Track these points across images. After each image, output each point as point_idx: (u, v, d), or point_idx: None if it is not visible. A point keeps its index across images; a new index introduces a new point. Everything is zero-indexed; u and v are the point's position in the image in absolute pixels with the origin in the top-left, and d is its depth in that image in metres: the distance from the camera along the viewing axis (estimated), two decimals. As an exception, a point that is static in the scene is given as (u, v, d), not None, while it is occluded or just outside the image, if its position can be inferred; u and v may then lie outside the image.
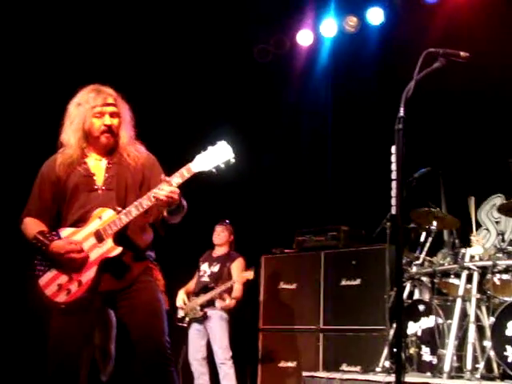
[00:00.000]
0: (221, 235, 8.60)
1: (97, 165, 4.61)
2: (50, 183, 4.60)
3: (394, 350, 6.24)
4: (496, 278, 6.92)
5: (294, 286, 9.26)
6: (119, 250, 4.38)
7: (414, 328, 7.23)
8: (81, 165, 4.58)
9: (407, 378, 5.92)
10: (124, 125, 4.67)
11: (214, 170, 4.30)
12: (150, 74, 9.89)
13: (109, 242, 4.38)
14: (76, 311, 4.41)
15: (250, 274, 8.27)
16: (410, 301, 7.51)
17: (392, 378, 5.67)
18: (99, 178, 4.57)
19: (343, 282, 8.80)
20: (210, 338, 8.33)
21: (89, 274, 4.37)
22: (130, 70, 9.17)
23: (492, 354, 6.49)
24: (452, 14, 8.87)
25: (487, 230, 8.94)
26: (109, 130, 4.55)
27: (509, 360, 6.32)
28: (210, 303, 8.25)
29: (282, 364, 9.03)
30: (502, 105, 8.54)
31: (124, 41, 9.74)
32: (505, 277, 6.90)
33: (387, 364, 7.24)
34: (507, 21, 8.35)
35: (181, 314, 8.37)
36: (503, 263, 6.84)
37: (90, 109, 4.54)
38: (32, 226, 4.55)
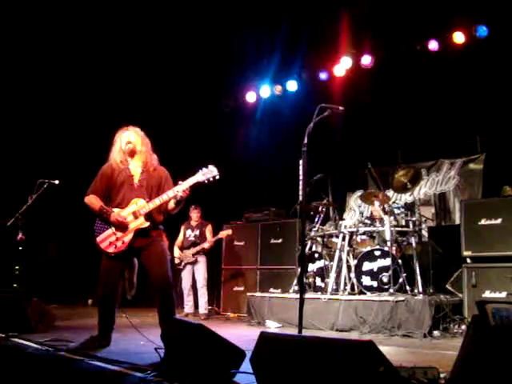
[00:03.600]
0: (195, 214, 8.68)
1: (135, 170, 4.79)
2: (106, 176, 4.77)
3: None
4: (358, 238, 7.17)
5: (242, 243, 9.19)
6: (147, 224, 4.62)
7: (311, 267, 7.43)
8: (126, 169, 4.78)
9: (307, 295, 6.35)
10: (147, 150, 4.86)
11: (206, 181, 4.60)
12: (168, 122, 10.05)
13: (141, 219, 4.61)
14: (117, 258, 4.64)
15: (229, 231, 8.64)
16: (310, 251, 7.59)
17: (298, 295, 5.90)
18: (136, 178, 4.75)
19: (272, 241, 8.75)
20: (194, 273, 8.46)
21: (128, 237, 4.59)
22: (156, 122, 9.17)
23: (354, 281, 6.76)
24: (335, 85, 9.03)
25: (354, 210, 9.13)
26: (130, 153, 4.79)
27: (363, 284, 6.64)
28: (198, 253, 8.43)
29: (235, 288, 9.03)
30: (360, 138, 8.78)
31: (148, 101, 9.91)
32: (363, 237, 7.17)
33: (296, 288, 7.33)
34: (362, 89, 8.58)
35: (177, 261, 8.48)
36: (362, 229, 7.12)
37: (121, 144, 4.81)
38: (95, 200, 4.70)
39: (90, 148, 10.15)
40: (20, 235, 7.03)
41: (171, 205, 4.70)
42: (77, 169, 9.38)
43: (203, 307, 8.34)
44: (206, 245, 8.43)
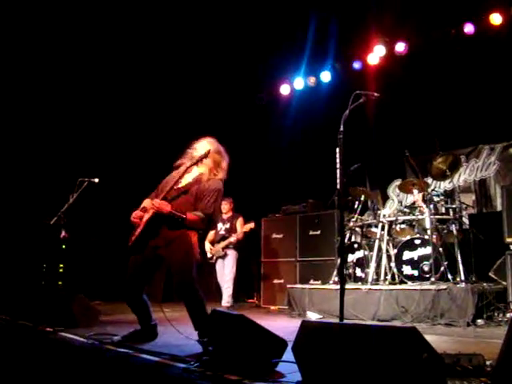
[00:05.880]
0: (225, 206, 8.43)
1: (188, 176, 4.67)
2: (163, 180, 4.76)
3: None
4: (397, 227, 7.14)
5: (281, 236, 9.20)
6: (147, 216, 4.45)
7: (351, 257, 7.41)
8: (180, 172, 4.65)
9: (347, 286, 6.23)
10: (210, 163, 4.65)
11: None
12: (204, 118, 10.03)
13: (150, 212, 4.45)
14: (136, 252, 4.54)
15: (252, 224, 8.24)
16: (349, 242, 7.61)
17: (338, 286, 5.86)
18: (183, 183, 4.62)
19: (310, 233, 8.74)
20: (224, 266, 8.28)
21: (139, 229, 4.49)
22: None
23: (395, 270, 6.75)
24: (369, 74, 8.93)
25: (392, 200, 9.05)
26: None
27: (404, 273, 6.60)
28: (227, 246, 8.25)
29: (275, 281, 9.03)
30: (395, 125, 8.70)
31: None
32: (402, 226, 7.12)
33: (336, 279, 7.35)
34: (397, 77, 8.52)
35: (209, 255, 8.35)
36: (401, 218, 7.07)
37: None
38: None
39: (129, 146, 10.34)
40: (63, 233, 7.18)
41: None
42: (116, 167, 9.56)
43: (226, 300, 8.15)
44: (232, 238, 8.23)
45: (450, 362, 2.97)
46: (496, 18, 7.70)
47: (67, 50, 9.01)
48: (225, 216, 8.52)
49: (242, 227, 8.37)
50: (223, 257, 8.33)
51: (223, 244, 8.29)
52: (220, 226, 8.47)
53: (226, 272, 8.28)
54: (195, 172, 4.70)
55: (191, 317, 4.43)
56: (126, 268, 4.65)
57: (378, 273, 7.00)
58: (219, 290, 8.43)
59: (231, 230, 8.38)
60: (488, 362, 3.10)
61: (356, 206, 7.67)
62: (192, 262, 4.44)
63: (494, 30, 7.74)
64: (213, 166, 4.66)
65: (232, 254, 8.33)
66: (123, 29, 8.82)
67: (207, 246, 8.47)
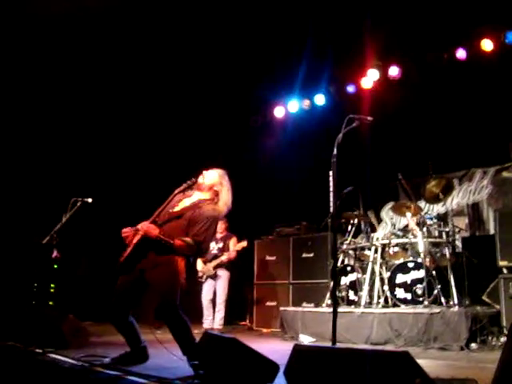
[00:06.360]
0: (221, 226, 8.19)
1: (185, 201, 4.66)
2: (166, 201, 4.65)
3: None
4: (391, 250, 7.10)
5: (274, 258, 9.17)
6: (137, 238, 4.35)
7: (344, 280, 7.37)
8: (182, 196, 4.67)
9: (340, 309, 6.22)
10: (211, 194, 4.65)
11: None
12: (197, 138, 10.13)
13: (139, 235, 4.35)
14: (124, 273, 4.43)
15: (244, 243, 8.18)
16: (342, 265, 7.56)
17: (331, 309, 5.83)
18: (179, 207, 4.59)
19: (303, 255, 8.72)
20: (216, 288, 8.15)
21: (128, 250, 4.38)
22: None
23: (388, 293, 6.71)
24: (363, 98, 8.91)
25: (386, 223, 9.02)
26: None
27: (397, 296, 6.57)
28: (219, 266, 8.12)
29: (268, 303, 8.97)
30: (387, 151, 8.67)
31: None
32: (396, 249, 7.09)
33: (329, 302, 7.30)
34: (391, 100, 8.54)
35: (200, 274, 8.17)
36: (394, 241, 7.06)
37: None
38: None
39: (123, 166, 10.31)
40: (55, 253, 7.13)
41: None
42: (110, 187, 9.52)
43: (218, 323, 8.02)
44: (223, 257, 8.12)
45: (444, 387, 2.94)
46: (487, 45, 7.80)
47: (56, 66, 8.96)
48: (219, 235, 8.31)
49: (239, 245, 8.23)
50: (214, 277, 8.19)
51: (215, 263, 8.15)
52: (213, 245, 8.27)
53: (219, 293, 8.15)
54: (195, 198, 4.65)
55: (177, 342, 4.32)
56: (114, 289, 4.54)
57: (371, 296, 6.97)
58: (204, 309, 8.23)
59: (224, 250, 8.26)
60: (481, 388, 3.08)
61: (349, 229, 7.65)
62: (175, 287, 4.32)
63: (485, 55, 7.83)
64: (215, 196, 4.63)
65: (224, 275, 8.20)
66: (113, 50, 8.83)
67: (199, 264, 8.29)
